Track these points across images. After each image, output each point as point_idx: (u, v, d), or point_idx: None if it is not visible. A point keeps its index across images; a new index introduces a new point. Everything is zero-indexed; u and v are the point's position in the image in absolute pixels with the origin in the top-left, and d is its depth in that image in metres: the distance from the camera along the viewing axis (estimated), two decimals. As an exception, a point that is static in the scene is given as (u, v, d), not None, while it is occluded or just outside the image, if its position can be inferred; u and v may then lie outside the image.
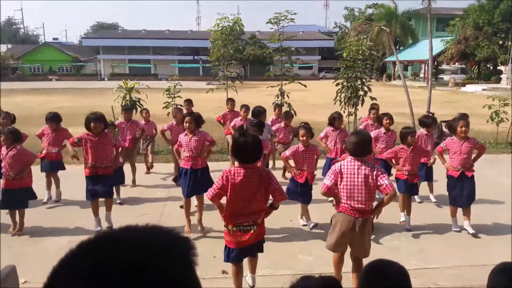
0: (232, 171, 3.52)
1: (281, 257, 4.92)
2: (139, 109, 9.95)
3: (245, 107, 7.93)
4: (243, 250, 3.63)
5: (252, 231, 3.53)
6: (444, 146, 5.73)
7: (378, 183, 3.71)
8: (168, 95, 10.76)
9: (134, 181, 7.73)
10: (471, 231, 5.47)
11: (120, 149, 5.91)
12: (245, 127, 5.78)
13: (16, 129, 5.65)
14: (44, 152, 6.66)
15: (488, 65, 40.57)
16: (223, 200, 3.66)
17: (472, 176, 5.57)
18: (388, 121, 6.89)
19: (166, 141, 7.49)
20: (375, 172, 3.73)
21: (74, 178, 6.89)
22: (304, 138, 5.50)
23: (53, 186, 6.81)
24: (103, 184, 5.42)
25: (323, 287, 1.52)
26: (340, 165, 3.81)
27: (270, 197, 3.70)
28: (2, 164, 5.45)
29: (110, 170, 5.56)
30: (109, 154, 5.57)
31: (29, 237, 5.41)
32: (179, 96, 10.73)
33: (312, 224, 5.65)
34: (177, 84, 10.86)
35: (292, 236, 5.50)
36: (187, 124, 5.58)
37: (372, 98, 10.13)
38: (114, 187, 6.74)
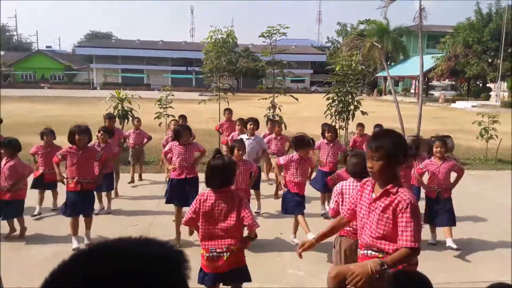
0: (205, 195, 3.50)
1: (270, 271, 4.89)
2: (130, 118, 9.92)
3: (240, 120, 7.82)
4: (218, 276, 3.52)
5: (225, 258, 3.43)
6: (423, 167, 5.79)
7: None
8: (160, 105, 10.75)
9: (116, 190, 7.53)
10: (454, 246, 5.41)
11: (108, 158, 5.86)
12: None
13: (15, 140, 5.61)
14: (40, 171, 6.48)
15: (478, 82, 41.23)
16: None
17: (450, 198, 5.65)
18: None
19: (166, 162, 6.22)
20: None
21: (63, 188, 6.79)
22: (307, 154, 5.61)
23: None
24: (84, 201, 5.26)
25: None
26: (342, 185, 3.78)
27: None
28: (1, 175, 5.42)
29: (92, 185, 5.43)
30: (92, 169, 5.43)
31: (14, 246, 5.32)
32: (171, 107, 10.73)
33: (313, 237, 5.46)
34: (169, 94, 10.87)
35: (282, 250, 5.46)
36: (184, 138, 5.67)
37: (363, 113, 10.23)
38: (104, 193, 6.68)
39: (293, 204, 5.56)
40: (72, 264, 0.59)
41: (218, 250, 3.44)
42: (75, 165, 5.20)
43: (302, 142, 5.53)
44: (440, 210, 5.60)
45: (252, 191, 6.30)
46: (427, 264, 5.16)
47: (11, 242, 5.40)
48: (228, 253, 3.43)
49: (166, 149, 5.91)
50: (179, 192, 5.59)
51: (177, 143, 5.72)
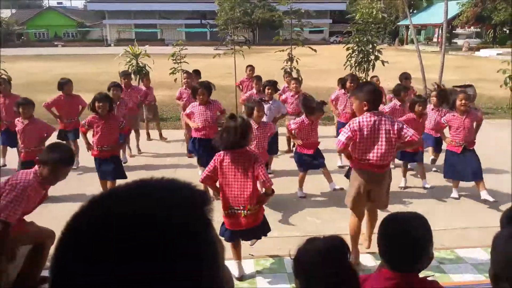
0: (222, 155, 3.59)
1: (289, 220, 5.02)
2: (144, 79, 9.81)
3: (256, 78, 7.42)
4: (237, 233, 3.67)
5: (243, 215, 3.55)
6: (446, 123, 5.58)
7: (403, 134, 3.69)
8: (174, 61, 10.65)
9: (138, 147, 7.68)
10: (491, 199, 5.28)
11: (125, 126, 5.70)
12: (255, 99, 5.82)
13: (30, 100, 5.65)
14: (63, 124, 6.66)
15: (504, 29, 39.30)
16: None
17: (474, 150, 5.51)
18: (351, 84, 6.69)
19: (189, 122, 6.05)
20: (395, 126, 3.69)
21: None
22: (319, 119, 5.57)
23: None
24: (111, 166, 5.29)
25: (327, 247, 1.53)
26: (359, 121, 3.70)
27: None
28: (21, 138, 5.51)
29: (116, 151, 5.47)
30: (116, 137, 5.39)
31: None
32: (185, 62, 10.62)
33: (336, 187, 5.51)
34: (182, 48, 10.70)
35: (300, 201, 5.57)
36: (200, 97, 5.62)
37: (383, 63, 9.94)
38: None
39: (309, 163, 5.58)
40: (90, 209, 0.58)
41: (235, 208, 3.57)
42: (99, 133, 5.23)
43: (311, 109, 5.38)
44: (466, 164, 5.41)
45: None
46: (444, 208, 5.24)
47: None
48: (246, 211, 3.55)
49: (187, 111, 5.87)
50: (203, 152, 5.61)
51: (198, 103, 5.68)
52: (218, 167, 3.59)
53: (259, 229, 3.76)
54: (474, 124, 5.53)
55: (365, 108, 3.72)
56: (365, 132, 3.67)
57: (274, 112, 6.52)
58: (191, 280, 0.54)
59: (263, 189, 3.76)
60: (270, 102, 6.49)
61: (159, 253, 0.52)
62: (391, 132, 3.69)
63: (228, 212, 3.61)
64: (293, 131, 5.53)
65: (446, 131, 5.75)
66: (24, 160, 5.55)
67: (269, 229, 3.86)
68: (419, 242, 1.69)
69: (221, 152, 3.63)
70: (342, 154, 3.94)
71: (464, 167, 5.43)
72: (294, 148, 6.05)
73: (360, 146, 3.73)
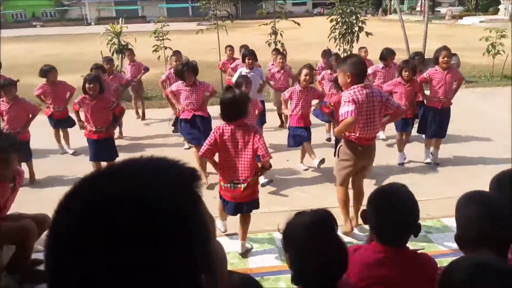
0: (221, 128, 3.57)
1: (278, 195, 5.08)
2: (126, 53, 9.59)
3: (251, 54, 6.84)
4: (237, 205, 3.68)
5: (242, 189, 3.56)
6: (427, 76, 5.65)
7: (389, 104, 3.77)
8: (157, 38, 10.43)
9: (121, 131, 7.45)
10: (437, 161, 5.78)
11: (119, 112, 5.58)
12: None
13: (12, 80, 5.50)
14: (50, 110, 6.45)
15: (487, -5, 39.24)
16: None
17: (449, 109, 5.67)
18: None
19: (173, 103, 6.12)
20: (383, 98, 3.77)
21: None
22: (307, 78, 5.38)
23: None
24: (106, 148, 5.27)
25: (314, 221, 1.54)
26: (353, 94, 3.64)
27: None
28: (5, 119, 5.39)
29: (110, 132, 5.41)
30: (107, 118, 5.31)
31: (25, 189, 5.49)
32: (167, 39, 10.41)
33: (319, 161, 5.38)
34: (164, 25, 10.46)
35: (289, 176, 5.62)
36: (190, 76, 5.41)
37: (367, 34, 9.89)
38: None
39: (297, 136, 5.55)
40: (79, 191, 0.57)
41: (235, 181, 3.58)
42: (90, 114, 5.18)
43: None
44: (436, 121, 5.63)
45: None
46: (429, 178, 5.35)
47: (23, 187, 5.54)
48: (245, 184, 3.56)
49: (172, 88, 5.65)
50: (191, 131, 5.54)
51: (184, 84, 5.49)
52: (218, 140, 3.56)
53: (253, 204, 3.78)
54: (455, 84, 5.66)
55: (348, 80, 3.67)
56: (362, 105, 3.65)
57: (256, 80, 6.45)
58: (183, 265, 0.54)
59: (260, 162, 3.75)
60: (252, 71, 6.46)
61: (149, 239, 0.52)
62: (381, 103, 3.74)
63: (228, 186, 3.62)
64: (287, 100, 5.58)
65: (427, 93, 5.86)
66: None
67: (258, 206, 3.87)
68: (406, 216, 1.71)
69: (221, 125, 3.60)
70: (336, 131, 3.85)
71: (439, 124, 5.64)
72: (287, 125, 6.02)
73: (359, 119, 3.68)
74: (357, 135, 3.80)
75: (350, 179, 4.08)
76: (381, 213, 1.75)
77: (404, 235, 1.74)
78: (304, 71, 5.41)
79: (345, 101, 3.62)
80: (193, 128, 5.51)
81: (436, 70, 5.60)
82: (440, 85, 5.55)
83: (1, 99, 5.49)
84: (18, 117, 5.43)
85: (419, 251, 1.85)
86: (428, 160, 5.86)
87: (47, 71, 6.27)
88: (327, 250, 1.48)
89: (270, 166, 3.74)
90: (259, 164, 3.70)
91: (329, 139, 6.74)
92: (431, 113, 5.68)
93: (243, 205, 3.71)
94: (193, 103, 5.46)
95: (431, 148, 5.88)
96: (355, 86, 3.67)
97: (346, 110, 3.56)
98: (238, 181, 3.58)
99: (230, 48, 8.65)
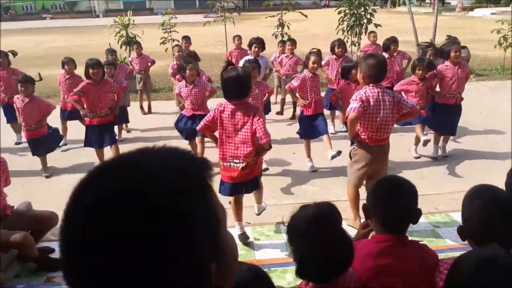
0: (222, 105, 3.53)
1: (285, 187, 5.08)
2: (134, 46, 9.59)
3: (258, 43, 6.98)
4: (235, 185, 3.62)
5: (240, 168, 3.51)
6: (438, 73, 5.47)
7: (402, 104, 3.69)
8: (164, 30, 10.42)
9: (127, 127, 7.45)
10: (446, 153, 5.77)
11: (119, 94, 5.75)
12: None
13: (31, 77, 5.56)
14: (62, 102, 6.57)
15: (499, -13, 38.51)
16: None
17: (461, 105, 5.58)
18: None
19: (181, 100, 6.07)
20: (395, 99, 3.70)
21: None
22: (315, 65, 5.34)
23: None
24: (106, 132, 5.35)
25: (316, 215, 1.54)
26: (365, 93, 3.65)
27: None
28: (21, 116, 5.45)
29: (111, 117, 5.48)
30: (109, 101, 5.44)
31: (38, 179, 5.56)
32: (175, 31, 10.39)
33: (334, 153, 5.12)
34: (172, 17, 10.45)
35: (296, 168, 5.61)
36: (191, 72, 5.43)
37: (376, 26, 9.78)
38: (117, 126, 6.73)
39: (310, 129, 5.44)
40: (87, 183, 0.58)
41: (235, 161, 3.53)
42: (93, 99, 5.24)
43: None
44: (450, 118, 5.51)
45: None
46: (438, 172, 5.32)
47: (32, 176, 5.60)
48: (244, 164, 3.51)
49: (176, 91, 5.78)
50: (185, 127, 5.57)
51: (184, 84, 5.56)
52: (217, 117, 3.52)
53: (252, 183, 3.71)
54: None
55: (361, 80, 3.71)
56: (371, 104, 3.62)
57: (263, 69, 6.47)
58: (185, 260, 0.55)
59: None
60: (258, 59, 6.41)
61: (150, 234, 0.52)
62: (393, 103, 3.68)
63: (226, 165, 3.56)
64: (294, 89, 5.44)
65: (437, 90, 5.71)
66: (27, 138, 5.60)
67: (258, 187, 3.84)
68: (407, 201, 1.76)
69: (222, 103, 3.56)
70: (349, 129, 3.81)
71: (452, 121, 5.54)
72: (297, 113, 5.95)
73: (367, 118, 3.68)
74: (367, 134, 3.76)
75: (364, 183, 4.01)
76: (382, 201, 1.78)
77: (405, 221, 1.77)
78: (312, 58, 5.34)
79: (353, 99, 3.68)
80: (189, 124, 5.48)
81: (446, 66, 5.44)
82: (453, 81, 5.39)
83: (17, 95, 5.53)
84: (32, 115, 5.46)
85: (420, 243, 1.87)
86: (436, 155, 5.76)
87: (64, 63, 6.49)
88: (329, 243, 1.48)
89: (270, 147, 3.69)
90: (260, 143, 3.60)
91: (334, 133, 6.72)
92: (444, 110, 5.51)
93: (241, 185, 3.64)
94: (193, 102, 5.50)
95: (441, 142, 5.80)
96: (367, 86, 3.69)
97: (350, 107, 3.64)
98: (238, 161, 3.52)
99: (239, 37, 8.68)
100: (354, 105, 3.61)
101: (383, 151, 3.86)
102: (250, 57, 6.63)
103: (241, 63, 6.62)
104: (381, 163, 3.89)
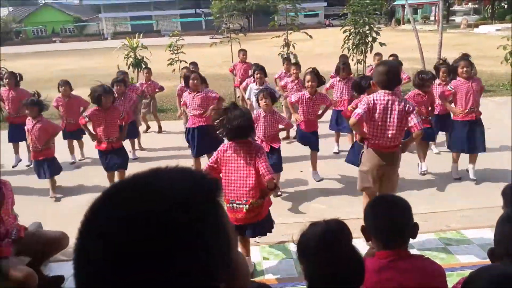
0: (225, 146, 3.49)
1: (293, 206, 5.04)
2: (143, 67, 9.78)
3: (255, 66, 7.03)
4: (239, 227, 3.44)
5: (244, 210, 3.40)
6: (452, 89, 5.38)
7: (408, 116, 3.66)
8: (171, 52, 10.59)
9: (140, 144, 7.54)
10: (474, 177, 5.40)
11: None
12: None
13: (39, 100, 5.60)
14: (64, 122, 6.70)
15: (503, 4, 38.77)
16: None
17: (481, 120, 5.44)
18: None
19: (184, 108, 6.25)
20: (406, 109, 3.67)
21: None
22: (310, 83, 5.33)
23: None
24: (118, 157, 5.32)
25: (324, 232, 1.53)
26: (373, 98, 3.67)
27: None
28: (30, 137, 5.54)
29: (118, 143, 5.45)
30: (117, 128, 5.44)
31: (46, 199, 5.58)
32: (182, 52, 10.55)
33: (319, 178, 5.62)
34: (179, 39, 10.64)
35: (304, 186, 5.58)
36: (194, 81, 5.57)
37: (381, 44, 9.86)
38: (128, 140, 6.76)
39: (304, 137, 5.66)
40: (99, 205, 0.59)
41: (237, 202, 3.41)
42: (102, 125, 5.24)
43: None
44: (473, 134, 5.31)
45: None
46: (449, 189, 5.25)
47: (42, 196, 5.63)
48: (248, 206, 3.39)
49: (182, 100, 5.93)
50: (195, 141, 5.58)
51: (188, 92, 5.67)
52: (221, 158, 3.48)
53: (261, 225, 3.58)
54: None
55: (372, 87, 3.82)
56: (378, 110, 3.65)
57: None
58: (194, 280, 0.55)
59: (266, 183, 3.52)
60: (262, 87, 6.43)
61: (160, 255, 0.53)
62: (402, 112, 3.67)
63: (229, 206, 3.44)
64: (293, 104, 5.64)
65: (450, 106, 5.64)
66: (34, 159, 5.66)
67: (272, 227, 3.70)
68: (402, 216, 1.83)
69: (225, 143, 3.55)
70: (356, 135, 3.94)
71: (473, 137, 5.33)
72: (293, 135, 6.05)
73: (373, 124, 3.72)
74: (374, 141, 3.78)
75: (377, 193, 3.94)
76: (378, 218, 1.85)
77: (403, 235, 1.83)
78: (307, 78, 5.39)
79: (360, 104, 3.78)
80: (196, 138, 5.55)
81: (460, 81, 5.36)
82: (469, 95, 5.27)
83: (28, 117, 5.59)
84: (40, 137, 5.52)
85: (424, 257, 1.92)
86: (457, 176, 5.55)
87: (59, 85, 6.65)
88: (336, 260, 1.47)
89: (275, 186, 3.59)
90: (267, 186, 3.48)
91: (337, 152, 6.70)
92: (463, 127, 5.36)
93: (246, 228, 3.49)
94: (196, 109, 5.56)
95: (469, 165, 5.52)
96: (377, 92, 3.73)
97: (355, 112, 3.72)
98: (240, 202, 3.40)
99: (244, 52, 8.88)
100: (358, 110, 3.69)
101: (391, 157, 3.84)
102: (254, 85, 6.68)
103: (247, 94, 6.70)
104: (389, 167, 3.87)
